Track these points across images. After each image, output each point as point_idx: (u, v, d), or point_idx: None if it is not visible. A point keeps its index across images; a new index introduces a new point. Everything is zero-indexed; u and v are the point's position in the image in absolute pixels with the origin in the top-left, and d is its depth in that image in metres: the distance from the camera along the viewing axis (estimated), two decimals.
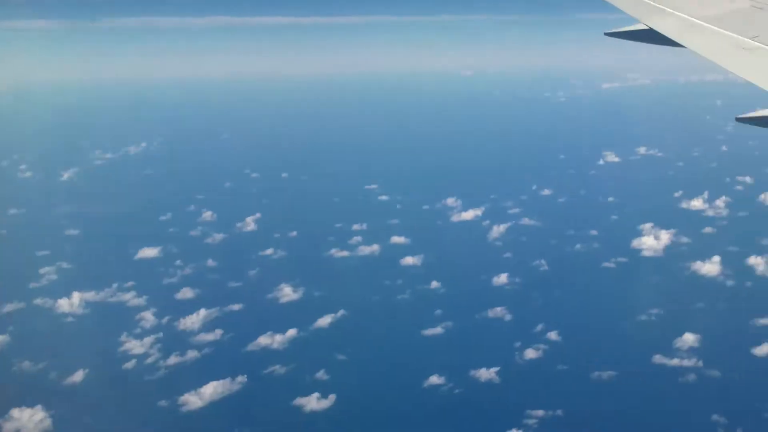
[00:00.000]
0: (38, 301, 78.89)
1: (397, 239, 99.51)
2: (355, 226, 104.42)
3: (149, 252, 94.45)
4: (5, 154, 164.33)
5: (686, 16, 8.83)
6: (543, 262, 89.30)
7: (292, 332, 71.46)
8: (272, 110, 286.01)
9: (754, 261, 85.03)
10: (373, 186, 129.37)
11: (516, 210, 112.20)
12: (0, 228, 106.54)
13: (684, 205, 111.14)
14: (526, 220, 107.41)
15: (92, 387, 61.14)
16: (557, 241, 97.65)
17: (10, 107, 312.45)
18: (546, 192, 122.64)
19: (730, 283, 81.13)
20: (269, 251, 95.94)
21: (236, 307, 77.91)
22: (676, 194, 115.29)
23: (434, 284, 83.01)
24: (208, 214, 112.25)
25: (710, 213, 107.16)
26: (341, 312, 75.72)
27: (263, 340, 70.02)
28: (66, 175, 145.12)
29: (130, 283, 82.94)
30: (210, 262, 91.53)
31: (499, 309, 75.56)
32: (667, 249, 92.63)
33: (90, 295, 79.65)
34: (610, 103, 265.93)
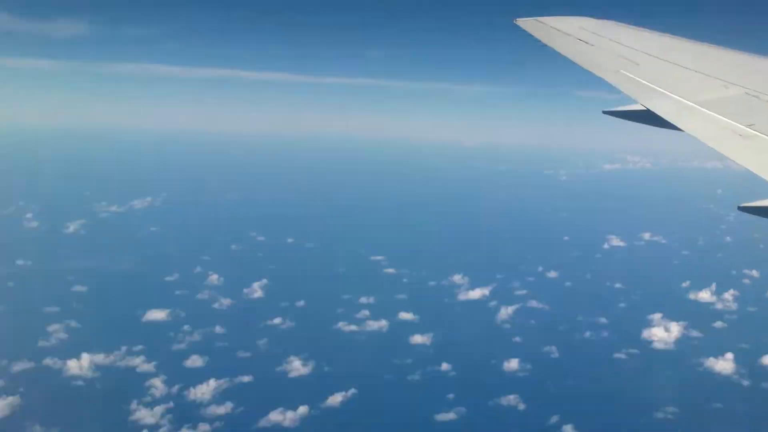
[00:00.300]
0: (48, 361, 77.88)
1: (405, 315, 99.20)
2: (363, 299, 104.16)
3: (157, 314, 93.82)
4: (11, 201, 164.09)
5: (682, 100, 8.96)
6: (553, 348, 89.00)
7: (303, 409, 70.73)
8: (280, 169, 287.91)
9: None
10: (380, 257, 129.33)
11: (523, 292, 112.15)
12: (8, 280, 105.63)
13: (692, 296, 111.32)
14: (533, 303, 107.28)
15: None
16: (566, 327, 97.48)
17: (14, 148, 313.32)
18: (552, 274, 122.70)
19: (745, 383, 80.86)
20: (277, 320, 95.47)
21: (246, 378, 77.15)
22: (684, 284, 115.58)
23: (445, 366, 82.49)
24: (214, 277, 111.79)
25: (719, 306, 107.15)
26: (352, 391, 75.03)
27: (274, 416, 69.32)
28: (72, 227, 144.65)
29: (139, 347, 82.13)
30: (218, 329, 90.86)
31: (512, 397, 75.02)
32: (679, 342, 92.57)
33: (99, 358, 78.71)
34: (611, 184, 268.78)
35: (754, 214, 7.38)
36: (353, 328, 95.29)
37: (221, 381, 75.22)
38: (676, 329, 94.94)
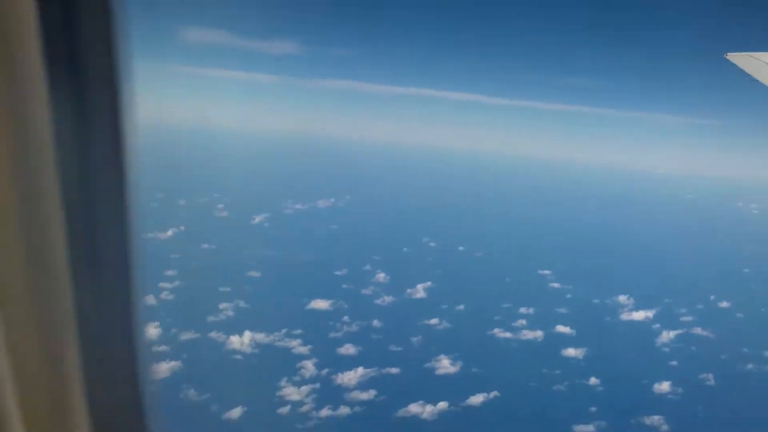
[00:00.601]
0: (213, 334, 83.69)
1: (562, 329, 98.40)
2: (522, 309, 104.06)
3: (321, 304, 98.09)
4: (206, 192, 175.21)
5: None
6: (710, 376, 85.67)
7: (443, 404, 72.20)
8: (463, 182, 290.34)
9: None
10: (547, 272, 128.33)
11: (689, 318, 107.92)
12: (191, 260, 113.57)
13: None
14: (698, 330, 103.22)
15: (246, 425, 64.31)
16: (728, 357, 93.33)
17: (216, 147, 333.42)
18: (724, 304, 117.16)
19: None
20: (434, 321, 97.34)
21: (394, 370, 79.50)
22: None
23: (593, 380, 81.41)
24: (381, 276, 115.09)
25: None
26: (494, 393, 75.74)
27: (414, 407, 71.17)
28: (257, 219, 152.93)
29: (298, 331, 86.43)
30: (376, 323, 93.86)
31: (656, 417, 73.25)
32: None
33: (260, 337, 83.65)
34: None
35: None
36: (508, 335, 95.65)
37: (369, 370, 78.00)
38: None
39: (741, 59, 13.44)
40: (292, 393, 71.49)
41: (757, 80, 12.07)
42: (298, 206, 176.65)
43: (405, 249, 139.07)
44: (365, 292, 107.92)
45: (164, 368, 72.97)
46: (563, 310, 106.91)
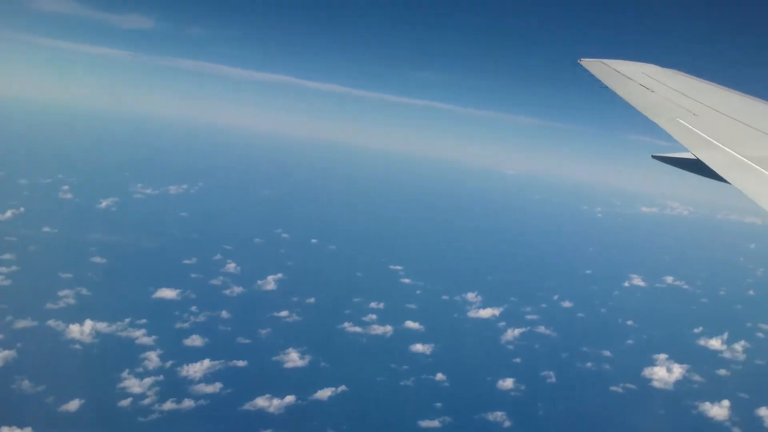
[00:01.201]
0: (51, 322, 79.84)
1: (411, 324, 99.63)
2: (373, 304, 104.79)
3: (167, 293, 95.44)
4: (51, 173, 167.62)
5: (735, 153, 8.87)
6: (551, 373, 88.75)
7: (290, 398, 71.68)
8: (322, 174, 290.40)
9: (765, 413, 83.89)
10: (398, 267, 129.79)
11: (534, 317, 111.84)
12: (30, 244, 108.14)
13: (702, 342, 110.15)
14: (541, 329, 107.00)
15: (84, 419, 61.63)
16: (569, 355, 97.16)
17: (63, 125, 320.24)
18: (566, 304, 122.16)
19: (736, 430, 79.97)
20: (284, 313, 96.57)
21: (240, 363, 78.23)
22: (696, 330, 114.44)
23: (439, 376, 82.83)
24: (231, 266, 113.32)
25: (727, 355, 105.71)
26: (342, 387, 75.78)
27: (260, 401, 70.27)
28: (104, 203, 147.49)
29: (142, 321, 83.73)
30: (224, 314, 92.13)
31: (499, 413, 75.14)
32: (678, 384, 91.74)
33: (102, 326, 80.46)
34: (645, 226, 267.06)
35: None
36: (357, 329, 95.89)
37: (215, 362, 76.48)
38: (678, 371, 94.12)
39: (593, 65, 14.12)
40: (133, 385, 68.86)
41: (607, 87, 12.69)
42: (148, 191, 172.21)
43: (257, 239, 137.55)
44: (214, 282, 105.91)
45: None
46: (413, 306, 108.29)
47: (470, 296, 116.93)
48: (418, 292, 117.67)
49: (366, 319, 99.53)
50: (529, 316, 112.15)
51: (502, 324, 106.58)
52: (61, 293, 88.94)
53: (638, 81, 13.00)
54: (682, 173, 10.24)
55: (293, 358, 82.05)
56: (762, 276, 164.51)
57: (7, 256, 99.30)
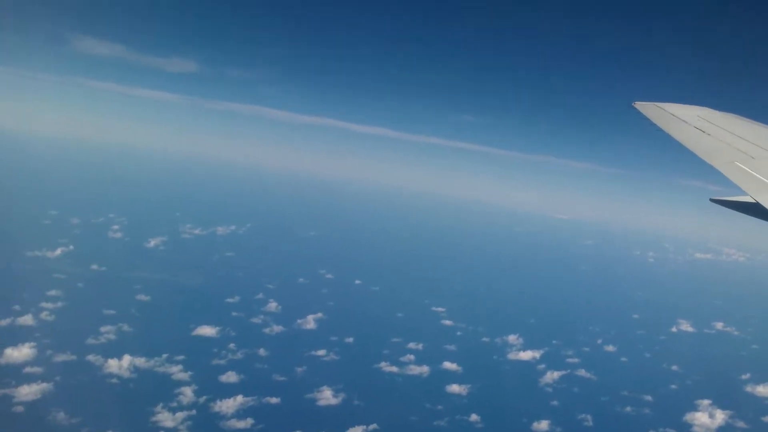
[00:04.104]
0: (90, 357, 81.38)
1: (449, 365, 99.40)
2: (412, 345, 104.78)
3: (207, 330, 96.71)
4: (102, 212, 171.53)
5: None
6: (588, 416, 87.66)
7: None
8: (368, 215, 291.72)
9: None
10: (441, 309, 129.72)
11: (575, 360, 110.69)
12: (77, 281, 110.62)
13: (749, 388, 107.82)
14: (582, 372, 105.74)
15: None
16: (609, 399, 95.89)
17: (114, 165, 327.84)
18: (610, 348, 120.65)
19: None
20: (321, 352, 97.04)
21: (274, 400, 78.78)
22: (744, 376, 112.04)
23: (474, 417, 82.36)
24: (273, 305, 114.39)
25: None
26: (373, 426, 75.77)
27: None
28: (152, 243, 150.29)
29: (180, 357, 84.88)
30: (261, 351, 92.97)
31: None
32: (720, 430, 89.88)
33: (140, 361, 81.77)
34: (698, 272, 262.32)
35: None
36: (394, 369, 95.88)
37: (249, 398, 77.12)
38: (721, 417, 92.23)
39: (647, 108, 13.94)
40: (166, 419, 69.88)
41: (662, 130, 12.55)
42: (197, 231, 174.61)
43: (301, 279, 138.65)
44: (255, 320, 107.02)
45: (35, 389, 70.78)
46: (452, 347, 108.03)
47: (511, 338, 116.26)
48: (458, 333, 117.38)
49: (404, 359, 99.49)
50: (570, 359, 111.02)
51: (541, 366, 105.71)
52: (103, 329, 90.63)
53: (693, 124, 12.88)
54: (739, 219, 10.07)
55: (327, 396, 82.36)
56: None
57: (53, 293, 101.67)
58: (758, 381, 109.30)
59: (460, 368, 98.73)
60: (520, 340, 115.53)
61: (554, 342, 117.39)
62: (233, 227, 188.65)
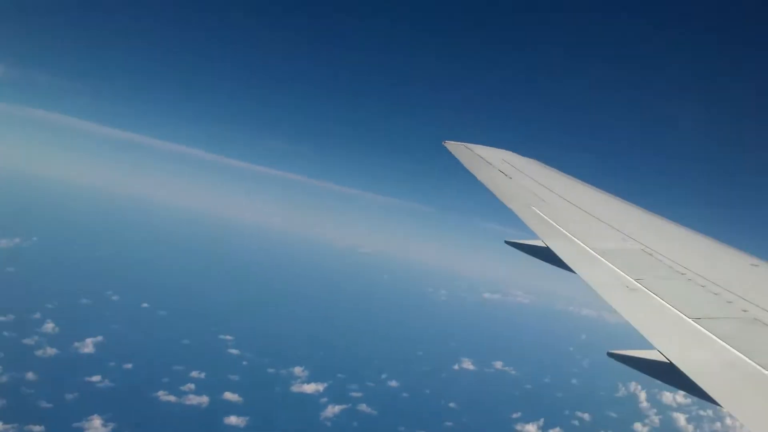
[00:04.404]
0: None
1: (230, 396, 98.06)
2: (194, 373, 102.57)
3: None
4: None
5: (583, 245, 9.16)
6: None
7: None
8: (168, 235, 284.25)
9: None
10: (229, 337, 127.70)
11: (358, 394, 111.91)
12: None
13: (518, 426, 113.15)
14: (363, 407, 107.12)
15: None
16: None
17: None
18: (393, 383, 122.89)
19: None
20: (96, 378, 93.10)
21: (37, 428, 74.64)
22: (515, 415, 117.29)
23: None
24: (50, 326, 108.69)
25: None
26: None
27: None
28: None
29: None
30: (30, 375, 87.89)
31: None
32: None
33: None
34: (485, 312, 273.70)
35: (620, 361, 7.53)
36: (172, 398, 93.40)
37: (8, 426, 72.68)
38: None
39: (457, 148, 14.25)
40: None
41: (469, 171, 12.78)
42: None
43: (84, 300, 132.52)
44: (27, 341, 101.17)
45: None
46: (236, 377, 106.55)
47: (297, 370, 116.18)
48: (244, 363, 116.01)
49: (184, 388, 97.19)
50: (353, 393, 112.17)
51: (324, 400, 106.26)
52: None
53: (498, 167, 13.24)
54: (530, 262, 10.11)
55: (96, 426, 79.15)
56: (587, 366, 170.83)
57: None
58: (527, 420, 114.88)
59: (241, 399, 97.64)
60: (306, 373, 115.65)
61: (339, 375, 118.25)
62: (17, 240, 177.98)
